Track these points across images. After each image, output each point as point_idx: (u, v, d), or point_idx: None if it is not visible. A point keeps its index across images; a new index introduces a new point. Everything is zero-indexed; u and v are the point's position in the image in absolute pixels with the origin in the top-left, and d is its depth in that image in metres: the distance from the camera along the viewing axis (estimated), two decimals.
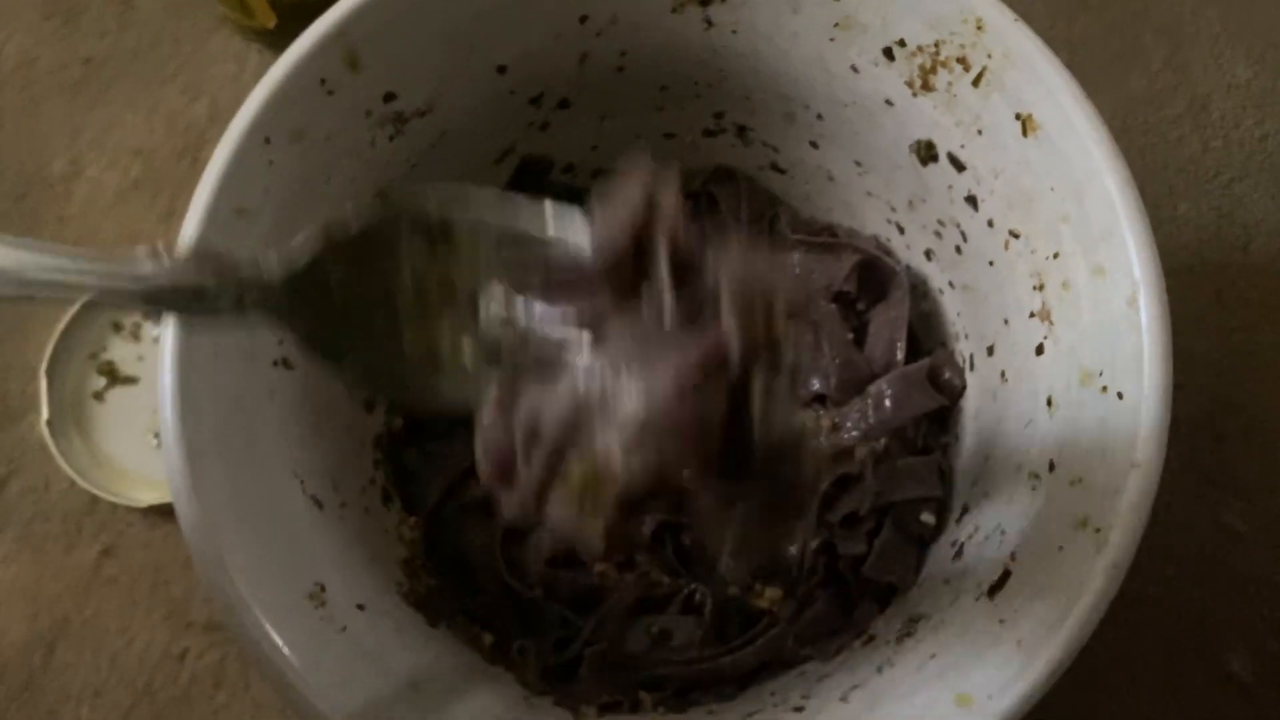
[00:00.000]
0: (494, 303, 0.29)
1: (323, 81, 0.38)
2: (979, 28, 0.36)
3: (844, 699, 0.36)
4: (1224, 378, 0.50)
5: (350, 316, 0.28)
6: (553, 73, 0.42)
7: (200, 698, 0.48)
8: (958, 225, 0.42)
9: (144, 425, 0.51)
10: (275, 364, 0.38)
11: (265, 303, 0.27)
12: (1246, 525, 0.48)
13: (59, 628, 0.49)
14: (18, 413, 0.52)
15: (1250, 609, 0.47)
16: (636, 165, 0.27)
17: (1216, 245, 0.52)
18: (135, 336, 0.52)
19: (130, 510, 0.50)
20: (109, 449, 0.51)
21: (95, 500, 0.50)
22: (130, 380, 0.52)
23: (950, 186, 0.41)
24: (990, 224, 0.40)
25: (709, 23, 0.41)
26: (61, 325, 0.51)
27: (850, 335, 0.46)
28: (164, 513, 0.49)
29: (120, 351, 0.52)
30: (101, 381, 0.52)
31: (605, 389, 0.25)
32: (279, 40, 0.38)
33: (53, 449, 0.49)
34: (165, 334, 0.35)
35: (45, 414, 0.50)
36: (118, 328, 0.52)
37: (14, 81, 0.57)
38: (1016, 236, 0.39)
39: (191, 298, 0.26)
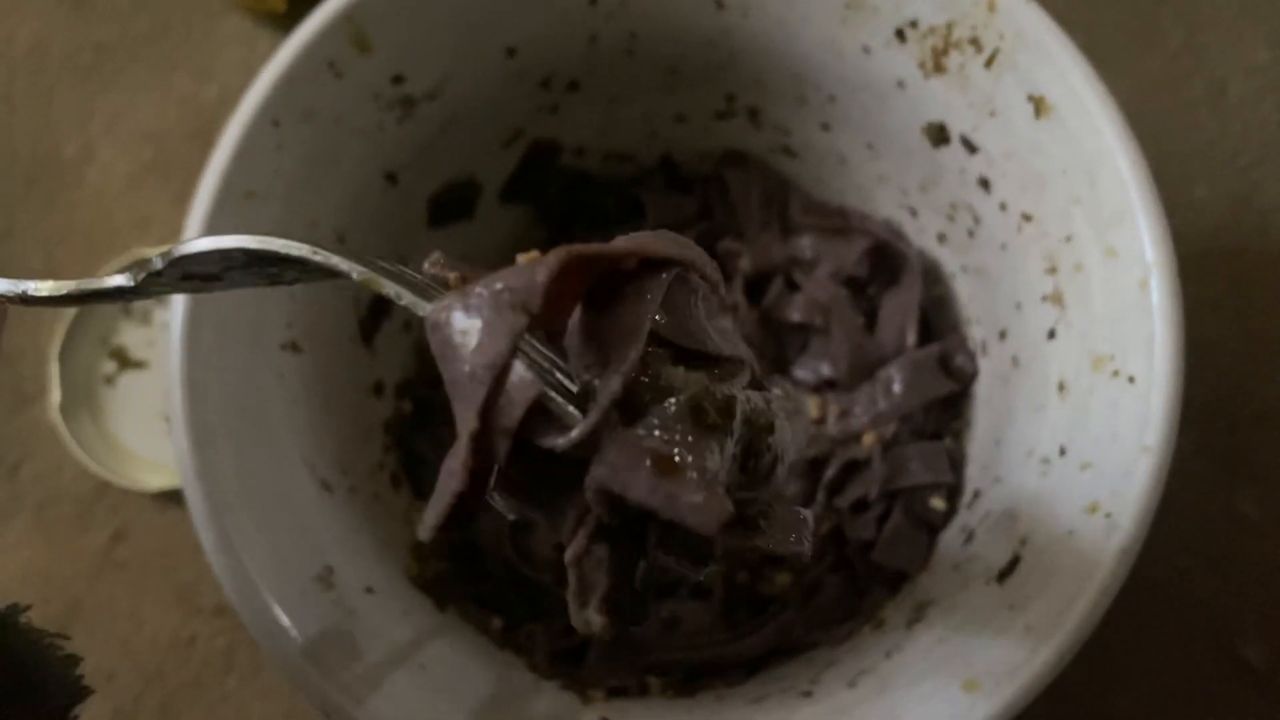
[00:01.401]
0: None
1: (331, 64, 0.37)
2: (991, 8, 0.36)
3: (852, 684, 0.35)
4: (1239, 363, 0.49)
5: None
6: (562, 55, 0.42)
7: (210, 682, 0.48)
8: (970, 208, 0.42)
9: (154, 410, 0.51)
10: (284, 347, 0.38)
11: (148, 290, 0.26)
12: (1261, 512, 0.47)
13: (71, 611, 0.49)
14: (30, 397, 0.52)
15: (1264, 596, 0.46)
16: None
17: (1233, 230, 0.52)
18: (145, 321, 0.52)
19: (141, 495, 0.50)
20: (120, 433, 0.51)
21: (106, 484, 0.50)
22: (140, 365, 0.52)
23: (963, 169, 0.41)
24: (1003, 207, 0.40)
25: (719, 4, 0.40)
26: (72, 310, 0.51)
27: (861, 320, 0.46)
28: (174, 497, 0.50)
29: (130, 336, 0.52)
30: (112, 366, 0.52)
31: None
32: (289, 24, 0.38)
33: (64, 434, 0.50)
34: (174, 318, 0.35)
35: (57, 398, 0.50)
36: (128, 312, 0.52)
37: (26, 66, 0.57)
38: (1029, 219, 0.38)
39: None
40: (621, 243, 0.23)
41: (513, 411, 0.21)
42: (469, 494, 0.22)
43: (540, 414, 0.21)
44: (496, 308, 0.21)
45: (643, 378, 0.22)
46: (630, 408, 0.22)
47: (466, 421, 0.21)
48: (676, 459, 0.21)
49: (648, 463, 0.21)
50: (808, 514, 0.25)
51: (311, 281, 0.25)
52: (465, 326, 0.21)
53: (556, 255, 0.21)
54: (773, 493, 0.25)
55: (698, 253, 0.25)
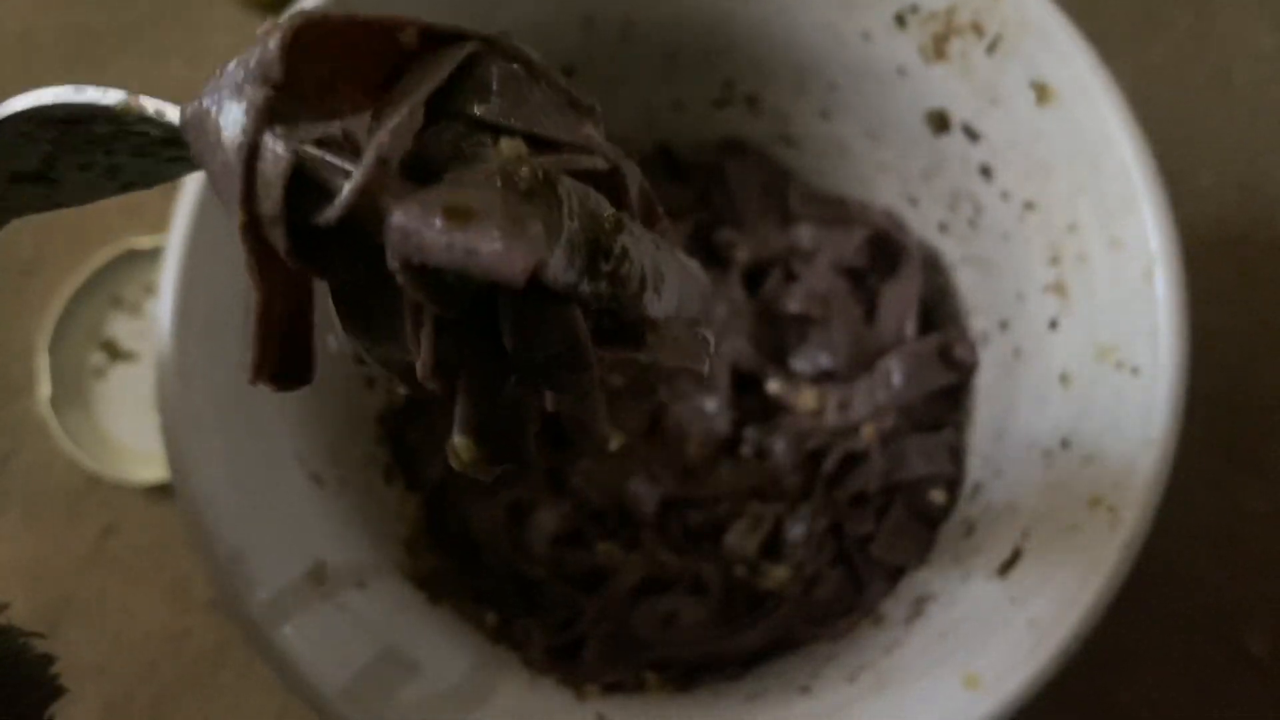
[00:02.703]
0: None
1: None
2: None
3: (851, 680, 0.35)
4: (1245, 354, 0.49)
5: None
6: (556, 40, 0.42)
7: (204, 677, 0.48)
8: (972, 197, 0.41)
9: (145, 402, 0.50)
10: None
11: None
12: (1267, 505, 0.47)
13: (62, 605, 0.49)
14: (19, 389, 0.51)
15: (1269, 589, 0.46)
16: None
17: (1240, 219, 0.51)
18: (136, 312, 0.52)
19: (132, 488, 0.50)
20: (110, 426, 0.50)
21: (97, 478, 0.49)
22: (130, 357, 0.51)
23: (964, 157, 0.40)
24: (1005, 196, 0.39)
25: None
26: (62, 302, 0.51)
27: (860, 311, 0.45)
28: (166, 491, 0.49)
29: (120, 328, 0.52)
30: (102, 358, 0.51)
31: None
32: (279, 11, 0.38)
33: (54, 426, 0.49)
34: (162, 309, 0.35)
35: (47, 391, 0.50)
36: (118, 303, 0.52)
37: (13, 54, 0.56)
38: (1032, 208, 0.38)
39: None
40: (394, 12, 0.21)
41: (272, 191, 0.19)
42: (286, 318, 0.20)
43: (317, 193, 0.19)
44: (236, 86, 0.19)
45: (443, 139, 0.20)
46: (426, 176, 0.19)
47: (234, 216, 0.19)
48: (473, 206, 0.18)
49: (438, 217, 0.18)
50: (709, 336, 0.23)
51: (155, 162, 0.23)
52: (213, 117, 0.19)
53: (290, 18, 0.19)
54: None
55: (503, 34, 0.22)
